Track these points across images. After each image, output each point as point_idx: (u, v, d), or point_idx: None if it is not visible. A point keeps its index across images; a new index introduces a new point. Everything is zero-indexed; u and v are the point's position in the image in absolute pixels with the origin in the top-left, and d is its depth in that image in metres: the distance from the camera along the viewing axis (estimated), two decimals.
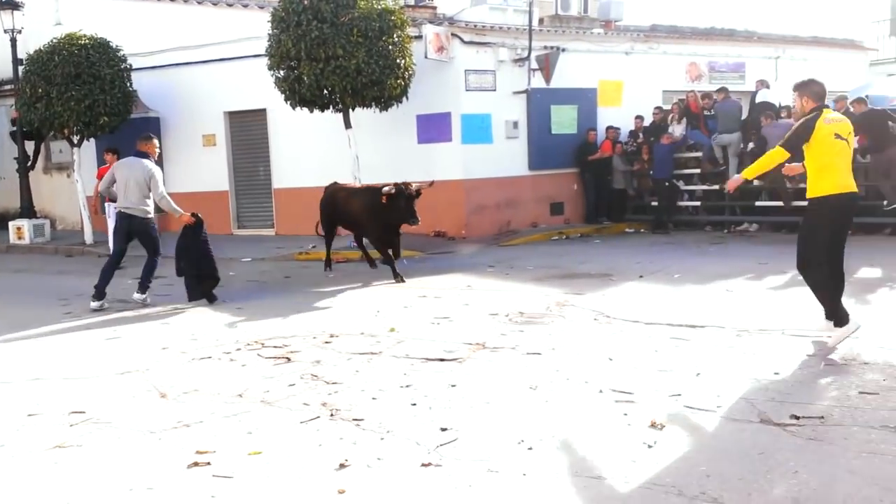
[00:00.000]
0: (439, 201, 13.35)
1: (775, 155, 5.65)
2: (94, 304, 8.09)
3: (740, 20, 27.21)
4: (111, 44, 14.11)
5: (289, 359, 5.69)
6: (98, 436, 4.19)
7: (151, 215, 8.34)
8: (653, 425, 4.08)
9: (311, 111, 12.27)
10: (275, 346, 6.07)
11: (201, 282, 8.27)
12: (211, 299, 8.21)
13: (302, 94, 11.82)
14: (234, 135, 15.32)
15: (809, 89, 5.64)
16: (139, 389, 5.06)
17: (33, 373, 5.56)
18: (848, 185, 5.47)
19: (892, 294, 7.37)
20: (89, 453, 3.96)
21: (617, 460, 3.66)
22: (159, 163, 9.42)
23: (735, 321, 6.35)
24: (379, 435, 4.08)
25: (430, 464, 3.69)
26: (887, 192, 11.23)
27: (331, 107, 12.21)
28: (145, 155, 8.27)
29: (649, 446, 3.82)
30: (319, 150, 13.98)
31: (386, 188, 9.04)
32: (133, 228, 8.25)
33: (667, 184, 13.59)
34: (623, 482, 3.44)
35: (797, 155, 5.63)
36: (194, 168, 15.26)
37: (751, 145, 12.68)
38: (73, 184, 14.69)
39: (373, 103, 12.16)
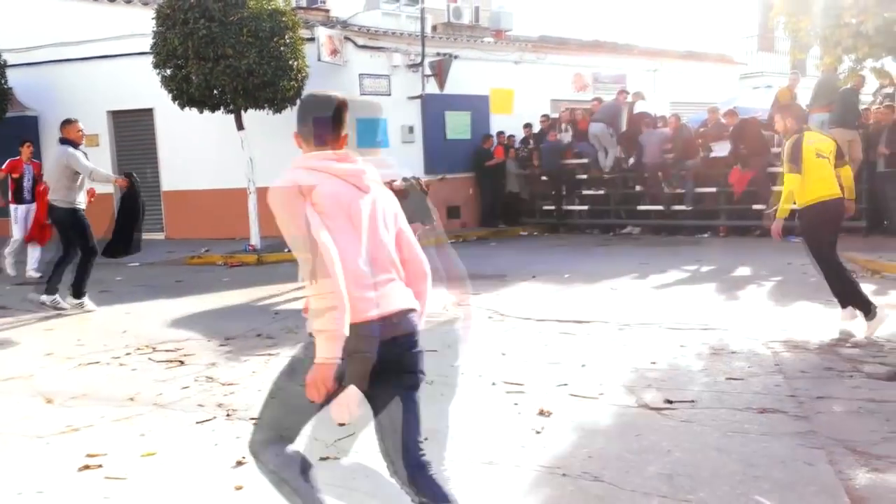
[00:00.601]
0: None
1: (791, 181, 5.85)
2: (44, 298, 7.61)
3: (622, 34, 28.60)
4: None
5: (182, 362, 5.60)
6: None
7: (77, 205, 7.61)
8: (541, 413, 4.32)
9: (201, 112, 12.00)
10: (167, 350, 5.94)
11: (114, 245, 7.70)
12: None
13: (190, 94, 11.54)
14: (118, 135, 14.73)
15: (792, 112, 6.01)
16: (23, 396, 4.85)
17: None
18: (834, 192, 5.84)
19: (759, 290, 7.99)
20: None
21: (508, 446, 3.86)
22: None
23: (618, 317, 6.75)
24: None
25: (328, 457, 3.77)
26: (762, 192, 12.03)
27: (222, 107, 11.99)
28: (67, 142, 7.65)
29: (538, 432, 4.04)
30: (211, 152, 13.68)
31: (396, 183, 8.61)
32: (55, 220, 7.68)
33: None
34: (513, 466, 3.64)
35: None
36: None
37: (631, 160, 13.41)
38: None
39: (266, 105, 12.03)
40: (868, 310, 5.73)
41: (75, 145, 7.65)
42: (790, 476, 3.38)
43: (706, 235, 12.52)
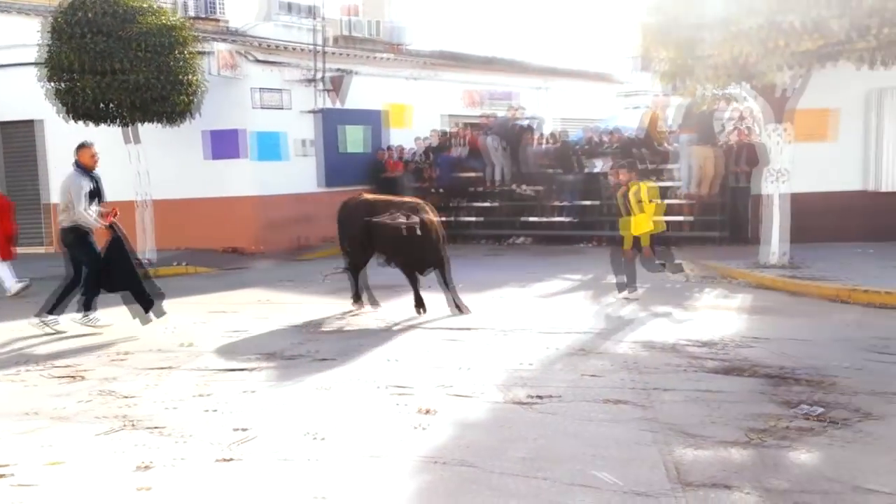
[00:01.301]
0: (232, 217, 13.53)
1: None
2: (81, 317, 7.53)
3: (513, 52, 29.75)
4: None
5: (82, 377, 5.77)
6: None
7: (76, 225, 7.51)
8: (425, 412, 4.82)
9: (98, 125, 11.90)
10: (65, 366, 6.09)
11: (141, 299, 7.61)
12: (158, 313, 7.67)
13: (85, 107, 11.47)
14: (6, 146, 14.30)
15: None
16: None
17: None
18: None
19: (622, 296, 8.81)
20: None
21: (393, 442, 4.34)
22: None
23: (501, 323, 7.36)
24: (178, 439, 4.44)
25: (229, 459, 4.14)
26: None
27: (115, 121, 11.95)
28: (79, 165, 7.60)
29: (422, 429, 4.54)
30: (101, 165, 13.44)
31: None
32: (64, 243, 7.65)
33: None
34: (397, 459, 4.12)
35: None
36: None
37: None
38: None
39: (159, 119, 12.07)
40: None
41: (87, 170, 7.63)
42: (627, 454, 4.02)
43: (585, 245, 13.44)
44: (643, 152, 12.93)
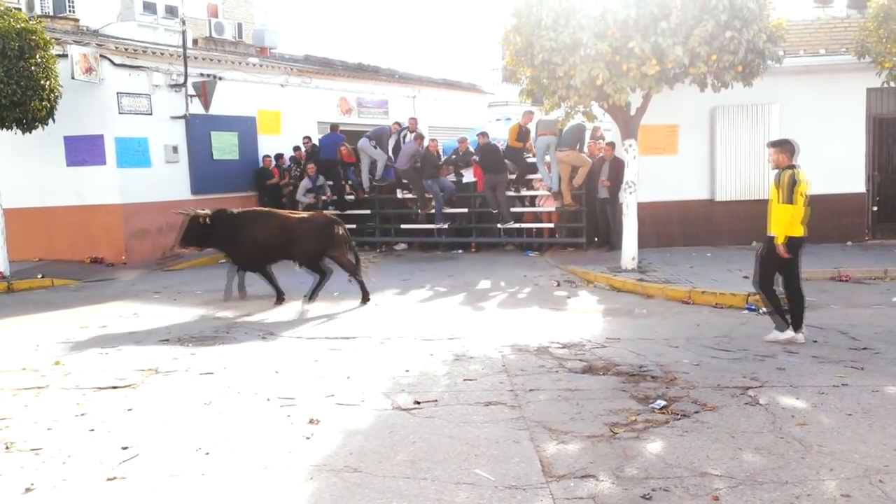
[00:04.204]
0: (95, 226, 12.98)
1: (790, 210, 6.50)
2: None
3: (383, 59, 30.11)
4: None
5: None
6: None
7: None
8: (311, 422, 5.01)
9: None
10: None
11: None
12: None
13: None
14: None
15: (786, 147, 6.69)
16: None
17: None
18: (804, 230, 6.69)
19: (498, 301, 9.32)
20: None
21: (282, 452, 4.50)
22: None
23: (381, 331, 7.63)
24: (61, 460, 4.39)
25: (115, 477, 4.15)
26: (503, 212, 13.68)
27: None
28: None
29: (308, 438, 4.73)
30: None
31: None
32: None
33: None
34: (286, 468, 4.29)
35: None
36: None
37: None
38: None
39: (13, 125, 11.42)
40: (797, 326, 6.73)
41: None
42: (501, 452, 4.40)
43: (460, 252, 13.98)
44: (508, 164, 13.60)
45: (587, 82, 9.64)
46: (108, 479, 4.13)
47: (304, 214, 10.05)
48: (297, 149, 15.80)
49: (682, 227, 12.84)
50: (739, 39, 9.28)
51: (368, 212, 14.96)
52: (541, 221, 13.81)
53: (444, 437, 4.69)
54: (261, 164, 15.46)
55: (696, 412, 4.95)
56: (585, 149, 13.34)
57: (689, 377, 5.72)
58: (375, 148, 14.54)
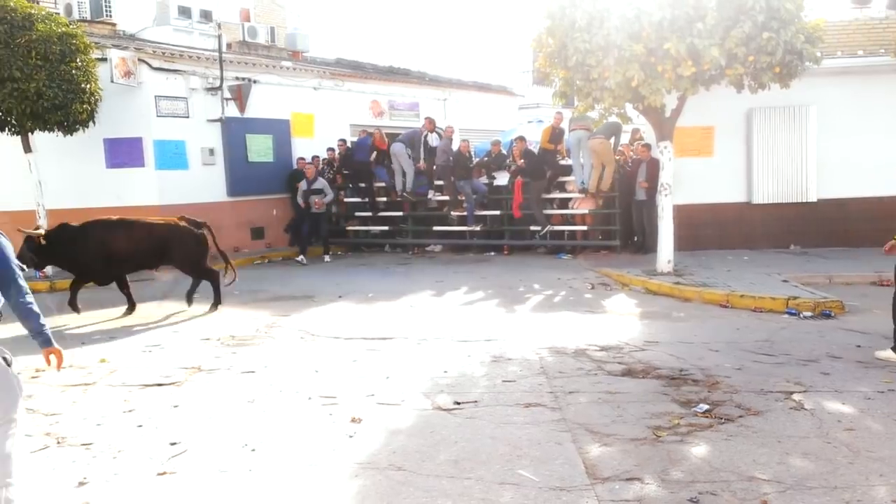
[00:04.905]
0: None
1: None
2: None
3: (414, 62, 30.20)
4: None
5: None
6: None
7: None
8: (353, 420, 5.06)
9: None
10: None
11: None
12: None
13: None
14: None
15: None
16: None
17: None
18: None
19: (533, 303, 9.32)
20: None
21: (326, 450, 4.56)
22: None
23: (417, 332, 7.67)
24: (111, 455, 4.50)
25: (165, 472, 4.24)
26: (539, 218, 13.65)
27: (6, 129, 11.48)
28: None
29: (350, 436, 4.78)
30: None
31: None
32: None
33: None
34: (331, 465, 4.34)
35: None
36: None
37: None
38: None
39: (56, 127, 11.69)
40: None
41: None
42: (544, 453, 4.41)
43: (492, 254, 13.99)
44: (543, 167, 13.59)
45: (622, 84, 9.61)
46: (159, 474, 4.21)
47: (163, 220, 9.70)
48: (330, 150, 15.94)
49: (718, 230, 12.71)
50: (777, 40, 9.18)
51: (401, 213, 15.03)
52: (573, 224, 13.76)
53: (486, 437, 4.71)
54: (295, 167, 15.63)
55: (741, 416, 4.91)
56: (619, 147, 13.31)
57: (731, 381, 5.68)
58: (409, 157, 14.55)
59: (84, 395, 5.71)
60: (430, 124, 15.22)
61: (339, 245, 15.58)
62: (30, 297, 3.62)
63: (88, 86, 11.74)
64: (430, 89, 20.49)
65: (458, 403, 5.36)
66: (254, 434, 4.84)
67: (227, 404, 5.48)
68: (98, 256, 8.93)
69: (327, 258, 14.29)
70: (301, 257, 13.89)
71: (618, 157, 13.19)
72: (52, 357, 3.78)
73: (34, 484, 4.07)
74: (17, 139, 11.78)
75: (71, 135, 12.03)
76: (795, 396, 5.28)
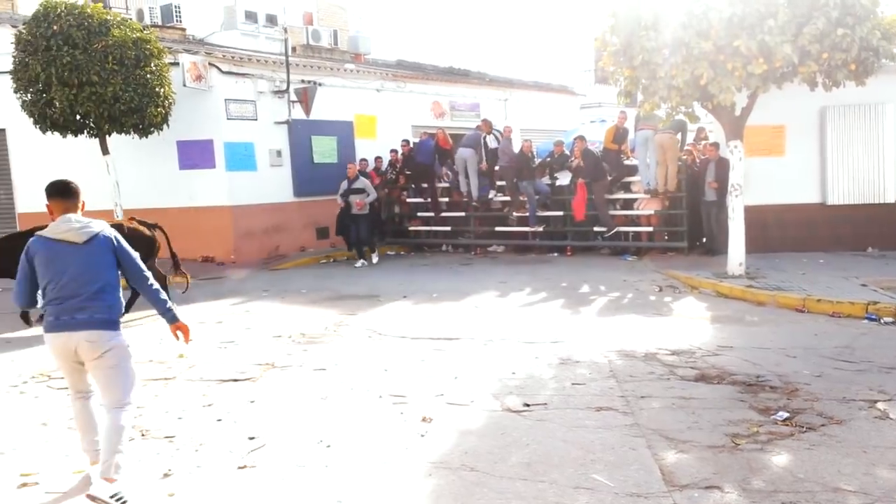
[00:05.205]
0: (206, 227, 13.59)
1: None
2: None
3: (474, 62, 30.19)
4: None
5: None
6: None
7: None
8: (423, 420, 5.10)
9: (64, 136, 11.89)
10: (62, 378, 6.16)
11: None
12: None
13: (54, 118, 11.46)
14: None
15: None
16: None
17: None
18: None
19: (599, 306, 9.22)
20: None
21: (398, 448, 4.61)
22: None
23: (483, 333, 7.68)
24: (193, 447, 4.65)
25: (245, 466, 4.36)
26: (605, 220, 13.50)
27: (85, 132, 11.96)
28: None
29: (422, 436, 4.82)
30: (71, 175, 13.36)
31: None
32: None
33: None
34: (404, 464, 4.39)
35: None
36: None
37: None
38: None
39: (132, 130, 12.11)
40: None
41: None
42: (618, 458, 4.36)
43: (555, 255, 13.89)
44: (602, 167, 13.43)
45: (690, 82, 9.43)
46: (239, 468, 4.33)
47: (113, 222, 9.61)
48: (393, 152, 16.09)
49: (790, 232, 12.33)
50: (852, 37, 8.87)
51: (463, 214, 15.06)
52: (638, 225, 13.56)
53: (558, 440, 4.69)
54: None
55: (823, 425, 4.76)
56: (686, 147, 13.04)
57: (811, 388, 5.51)
58: (480, 163, 14.48)
59: (165, 389, 5.90)
60: (487, 126, 15.19)
61: (401, 245, 15.73)
62: (155, 283, 4.19)
63: (162, 89, 12.13)
64: (491, 89, 20.49)
65: (528, 405, 5.34)
66: (328, 430, 4.93)
67: (301, 401, 5.59)
68: None
69: (373, 259, 13.62)
70: (361, 262, 13.47)
71: (684, 157, 12.95)
72: (179, 332, 4.29)
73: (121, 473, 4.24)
74: (95, 142, 12.24)
75: (146, 137, 12.45)
76: (880, 405, 5.09)
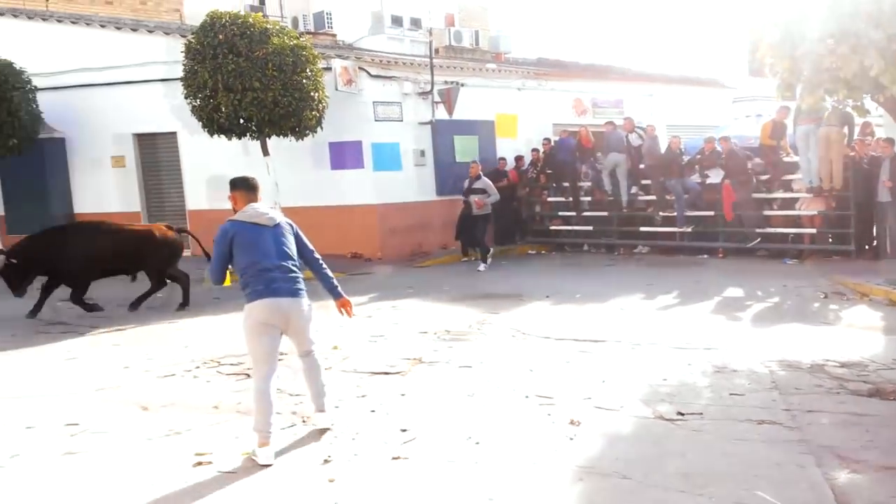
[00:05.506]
0: (354, 224, 14.13)
1: None
2: None
3: (616, 57, 29.42)
4: (14, 65, 13.93)
5: (248, 375, 6.28)
6: (99, 444, 4.73)
7: None
8: (571, 423, 5.02)
9: (230, 139, 12.73)
10: (231, 364, 6.65)
11: None
12: None
13: (220, 122, 12.29)
14: (143, 156, 15.42)
15: None
16: (119, 404, 5.55)
17: (11, 391, 5.90)
18: None
19: (757, 311, 8.72)
20: (98, 459, 4.51)
21: (546, 449, 4.56)
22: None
23: (630, 336, 7.46)
24: (350, 436, 4.83)
25: (399, 457, 4.48)
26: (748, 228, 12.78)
27: (248, 134, 12.75)
28: None
29: (570, 439, 4.75)
30: (232, 174, 14.32)
31: None
32: None
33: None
34: (553, 466, 4.34)
35: None
36: (103, 189, 15.26)
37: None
38: None
39: (289, 133, 12.78)
40: None
41: None
42: (784, 476, 4.09)
43: (705, 257, 13.28)
44: (756, 165, 12.69)
45: (858, 74, 8.68)
46: (394, 459, 4.46)
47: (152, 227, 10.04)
48: (535, 151, 16.02)
49: None
50: None
51: (605, 214, 14.74)
52: (800, 226, 12.68)
53: (717, 453, 4.47)
54: (496, 167, 15.89)
55: None
56: (852, 142, 12.06)
57: None
58: (630, 170, 14.12)
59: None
60: (630, 124, 14.77)
61: (542, 244, 15.63)
62: (323, 263, 5.08)
63: (316, 94, 12.71)
64: (635, 84, 19.89)
65: (682, 414, 5.13)
66: (476, 427, 4.97)
67: (449, 396, 5.67)
68: (79, 261, 9.04)
69: (481, 267, 12.80)
70: (482, 265, 12.80)
71: (852, 153, 11.97)
72: (343, 309, 5.24)
73: (286, 457, 4.49)
74: (252, 143, 13.03)
75: (301, 139, 13.10)
76: None
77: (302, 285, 4.79)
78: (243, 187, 4.81)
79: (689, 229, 13.56)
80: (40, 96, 14.46)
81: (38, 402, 5.66)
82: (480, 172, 13.61)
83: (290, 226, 4.88)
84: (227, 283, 4.93)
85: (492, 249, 13.57)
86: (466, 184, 13.64)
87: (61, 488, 4.13)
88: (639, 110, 18.41)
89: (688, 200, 13.49)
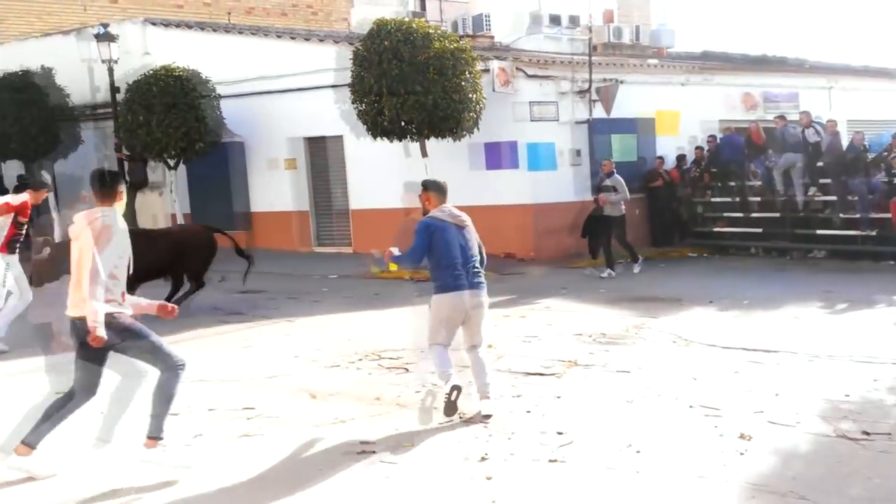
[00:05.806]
0: (508, 224, 14.17)
1: None
2: None
3: (791, 48, 27.48)
4: (201, 74, 15.21)
5: (407, 369, 6.49)
6: (273, 428, 5.05)
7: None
8: (741, 437, 4.71)
9: (392, 141, 13.18)
10: (390, 358, 6.89)
11: None
12: None
13: (383, 125, 12.76)
14: (313, 159, 16.32)
15: None
16: (289, 391, 5.92)
17: (195, 375, 6.44)
18: None
19: None
20: (272, 441, 4.82)
21: (715, 464, 4.32)
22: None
23: (805, 347, 6.91)
24: (506, 435, 4.84)
25: (556, 460, 4.42)
26: None
27: (408, 137, 13.14)
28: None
29: (741, 453, 4.47)
30: (393, 175, 14.82)
31: None
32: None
33: None
34: (723, 481, 4.10)
35: None
36: (277, 189, 16.31)
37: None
38: (173, 202, 15.99)
39: (447, 134, 13.02)
40: None
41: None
42: None
43: (892, 263, 12.09)
44: None
45: None
46: (550, 461, 4.41)
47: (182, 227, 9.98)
48: (699, 149, 15.32)
49: None
50: None
51: (777, 215, 13.79)
52: None
53: None
54: (652, 166, 15.34)
55: None
56: None
57: None
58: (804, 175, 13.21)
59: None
60: (807, 118, 13.69)
61: (702, 247, 14.89)
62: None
63: (474, 95, 12.87)
64: (812, 77, 18.48)
65: (867, 434, 4.69)
66: (636, 435, 4.80)
67: (606, 401, 5.54)
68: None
69: (604, 274, 11.95)
70: (607, 271, 11.98)
71: None
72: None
73: (444, 452, 4.57)
74: (410, 145, 13.40)
75: (459, 140, 13.31)
76: None
77: (483, 280, 5.26)
78: (435, 189, 5.44)
79: (874, 232, 12.41)
80: (223, 103, 15.70)
81: (219, 387, 6.13)
82: (613, 169, 12.82)
83: (473, 227, 5.42)
84: (394, 267, 5.68)
85: (634, 250, 12.75)
86: (598, 180, 13.01)
87: (239, 468, 4.44)
88: (816, 104, 17.02)
89: (872, 201, 12.34)
